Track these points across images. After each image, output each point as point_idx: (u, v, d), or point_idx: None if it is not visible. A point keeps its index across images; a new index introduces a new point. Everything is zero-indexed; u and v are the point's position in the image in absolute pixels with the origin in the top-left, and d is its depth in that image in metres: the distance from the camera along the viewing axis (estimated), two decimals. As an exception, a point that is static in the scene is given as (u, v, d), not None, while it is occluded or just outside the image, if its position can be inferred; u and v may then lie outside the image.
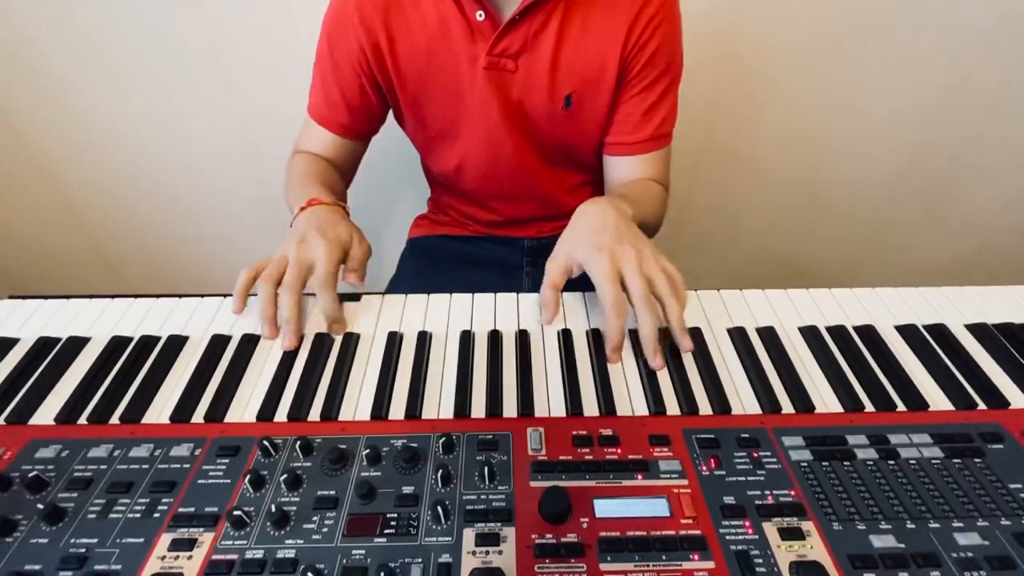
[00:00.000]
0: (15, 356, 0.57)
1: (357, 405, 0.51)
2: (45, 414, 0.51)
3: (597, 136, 0.80)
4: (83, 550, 0.40)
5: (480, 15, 0.68)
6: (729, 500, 0.43)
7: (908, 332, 0.59)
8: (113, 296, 0.64)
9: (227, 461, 0.46)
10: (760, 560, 0.39)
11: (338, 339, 0.58)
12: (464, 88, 0.74)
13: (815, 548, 0.40)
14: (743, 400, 0.52)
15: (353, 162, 0.86)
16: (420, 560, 0.39)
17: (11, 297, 0.64)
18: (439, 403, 0.52)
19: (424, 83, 0.74)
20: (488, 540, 0.41)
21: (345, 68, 0.74)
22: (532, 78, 0.72)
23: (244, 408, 0.51)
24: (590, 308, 0.62)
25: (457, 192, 0.90)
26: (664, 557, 0.40)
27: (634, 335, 0.58)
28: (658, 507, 0.42)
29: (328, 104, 0.78)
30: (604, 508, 0.42)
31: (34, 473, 0.44)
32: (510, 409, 0.51)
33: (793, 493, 0.43)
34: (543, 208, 0.90)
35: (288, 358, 0.56)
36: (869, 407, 0.51)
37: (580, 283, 0.61)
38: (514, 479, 0.44)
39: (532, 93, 0.74)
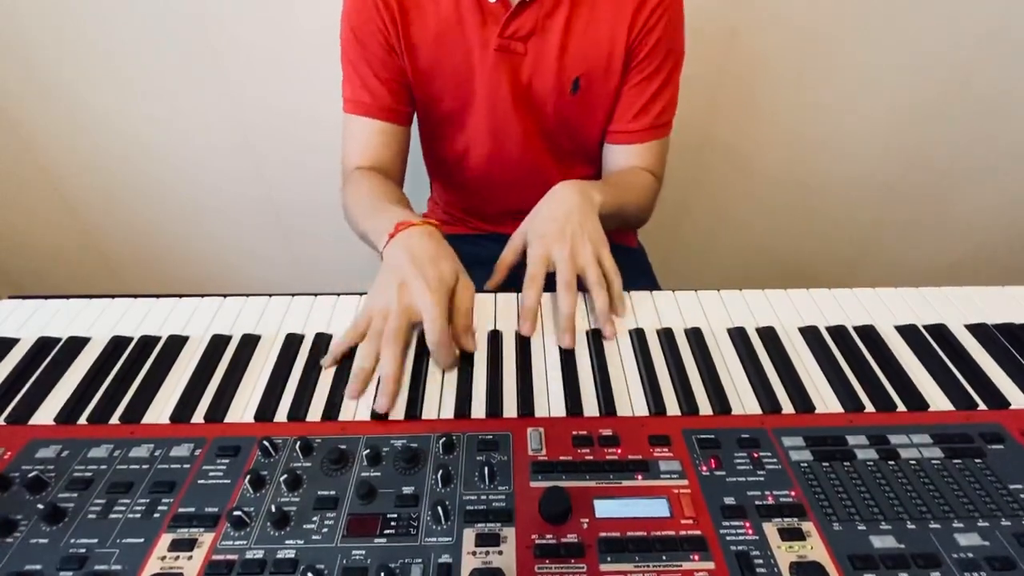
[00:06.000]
0: (15, 356, 0.57)
1: (357, 405, 0.51)
2: (45, 414, 0.51)
3: (603, 122, 0.81)
4: (83, 550, 0.40)
5: None
6: (729, 500, 0.43)
7: (908, 332, 0.59)
8: (113, 296, 0.64)
9: (227, 461, 0.46)
10: (760, 561, 0.39)
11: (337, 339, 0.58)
12: (474, 70, 0.74)
13: (815, 549, 0.40)
14: (743, 400, 0.52)
15: (403, 155, 0.82)
16: (420, 560, 0.39)
17: (11, 297, 0.64)
18: (439, 403, 0.52)
19: (434, 63, 0.74)
20: (488, 540, 0.41)
21: (374, 46, 0.73)
22: (541, 61, 0.73)
23: (244, 408, 0.51)
24: (588, 309, 0.62)
25: (460, 181, 0.90)
26: (664, 557, 0.40)
27: (635, 333, 0.58)
28: (658, 507, 0.42)
29: (367, 90, 0.75)
30: (604, 508, 0.42)
31: (34, 473, 0.44)
32: (510, 409, 0.51)
33: (793, 493, 0.43)
34: None
35: (287, 358, 0.56)
36: (869, 407, 0.51)
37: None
38: (514, 479, 0.44)
39: (541, 76, 0.74)
